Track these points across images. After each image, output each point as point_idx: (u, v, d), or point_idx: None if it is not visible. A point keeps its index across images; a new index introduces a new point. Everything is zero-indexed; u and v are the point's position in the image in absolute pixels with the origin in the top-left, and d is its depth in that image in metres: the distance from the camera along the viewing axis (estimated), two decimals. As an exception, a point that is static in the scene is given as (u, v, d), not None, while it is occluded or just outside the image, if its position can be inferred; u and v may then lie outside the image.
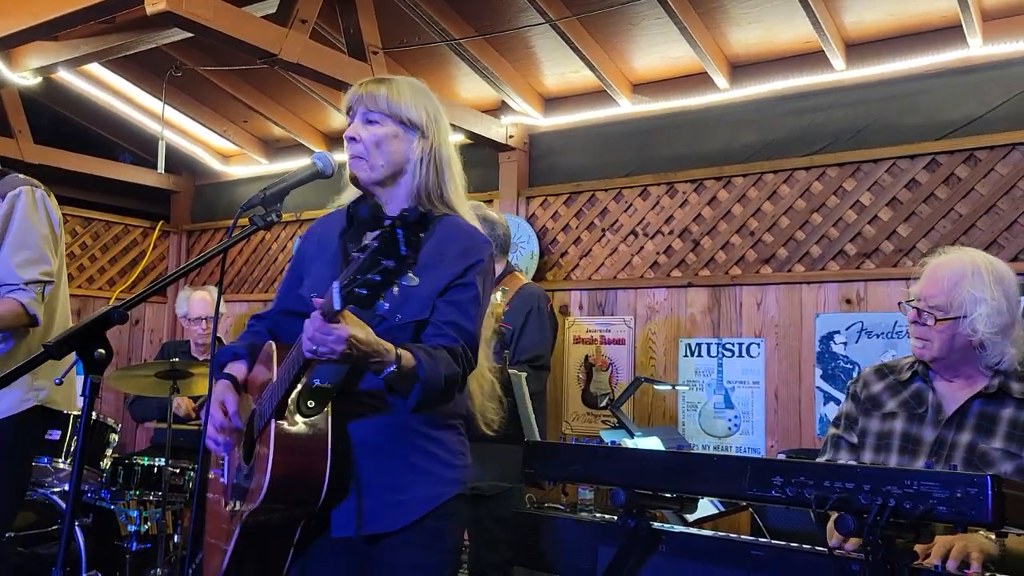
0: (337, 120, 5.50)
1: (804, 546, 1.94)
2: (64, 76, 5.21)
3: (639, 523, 2.26)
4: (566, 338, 4.66)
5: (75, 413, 4.05)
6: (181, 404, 4.46)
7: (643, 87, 4.61)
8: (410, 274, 1.45)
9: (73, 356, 1.49)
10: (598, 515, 2.73)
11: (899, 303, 2.28)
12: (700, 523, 3.22)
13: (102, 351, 1.49)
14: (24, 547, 3.98)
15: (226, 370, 1.94)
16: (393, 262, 1.41)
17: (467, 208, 2.01)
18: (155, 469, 4.11)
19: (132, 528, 4.17)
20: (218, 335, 4.87)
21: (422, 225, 1.41)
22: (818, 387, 3.92)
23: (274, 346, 1.87)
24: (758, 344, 4.09)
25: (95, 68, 5.21)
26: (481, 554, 3.30)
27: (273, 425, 1.72)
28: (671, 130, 4.51)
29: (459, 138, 4.85)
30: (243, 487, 1.85)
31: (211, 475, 2.12)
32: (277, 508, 1.76)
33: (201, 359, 4.80)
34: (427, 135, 1.92)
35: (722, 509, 3.24)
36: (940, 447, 2.13)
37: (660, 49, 4.30)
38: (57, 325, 2.84)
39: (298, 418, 1.73)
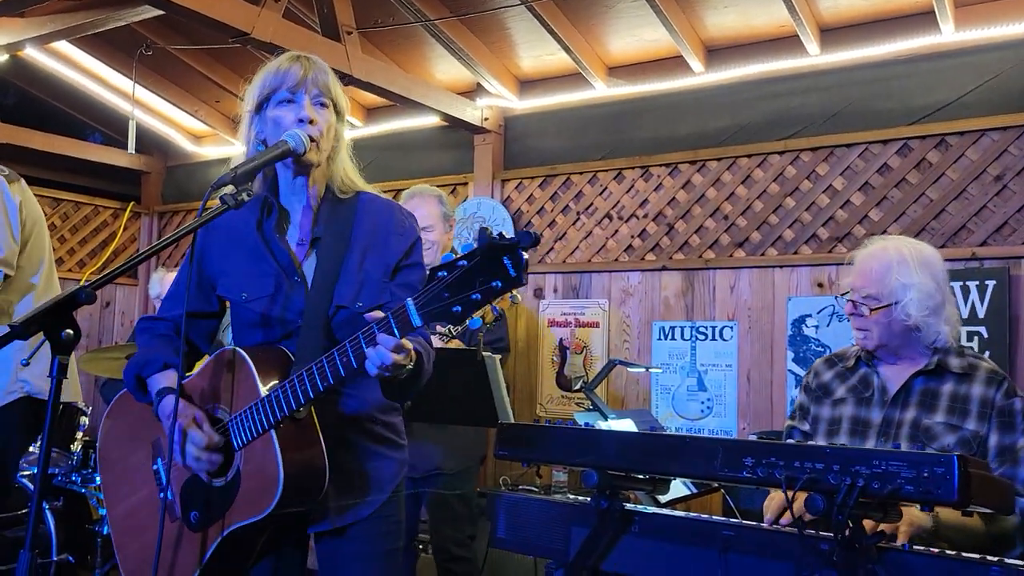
0: (311, 101, 5.44)
1: (774, 526, 1.96)
2: (31, 54, 5.10)
3: (612, 504, 2.28)
4: (540, 321, 4.67)
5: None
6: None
7: (618, 70, 4.60)
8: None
9: (41, 337, 1.46)
10: (571, 496, 2.75)
11: (835, 296, 2.35)
12: (672, 504, 3.25)
13: (70, 332, 1.47)
14: (-7, 531, 3.94)
15: (165, 383, 1.85)
16: (501, 283, 1.47)
17: (366, 187, 2.00)
18: (126, 452, 4.06)
19: (103, 511, 4.13)
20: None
21: (535, 244, 1.48)
22: (790, 370, 3.96)
23: (246, 356, 1.79)
24: (731, 327, 4.12)
25: (63, 46, 5.11)
26: (443, 530, 3.32)
27: (275, 438, 1.71)
28: (646, 113, 4.51)
29: (434, 120, 4.83)
30: (217, 502, 1.80)
31: (126, 493, 2.04)
32: (282, 511, 1.75)
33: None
34: (344, 122, 1.94)
35: (695, 491, 3.27)
36: (887, 426, 2.19)
37: (636, 32, 4.30)
38: (16, 312, 2.77)
39: (291, 426, 1.73)
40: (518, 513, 2.62)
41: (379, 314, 1.60)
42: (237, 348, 1.83)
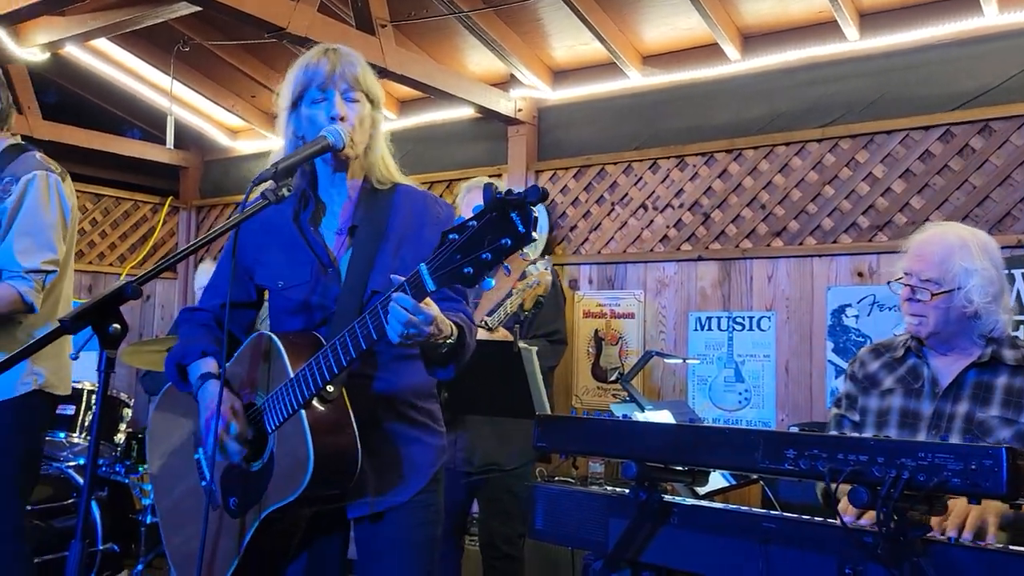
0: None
1: (816, 518, 1.94)
2: (72, 51, 5.19)
3: (650, 496, 2.27)
4: (576, 312, 4.66)
5: (88, 388, 4.09)
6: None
7: (653, 59, 4.57)
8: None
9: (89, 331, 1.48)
10: (608, 488, 2.74)
11: (888, 282, 2.29)
12: (711, 496, 3.23)
13: (117, 326, 1.49)
14: (41, 520, 4.03)
15: (205, 369, 1.87)
16: (511, 240, 1.45)
17: (404, 179, 2.01)
18: (168, 443, 4.13)
19: (146, 501, 4.21)
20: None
21: (540, 202, 1.44)
22: (829, 360, 3.91)
23: (278, 340, 1.81)
24: (769, 317, 4.08)
25: (102, 43, 5.18)
26: (493, 525, 3.32)
27: (305, 417, 1.71)
28: (681, 102, 4.48)
29: (468, 112, 4.83)
30: (253, 487, 1.81)
31: (172, 483, 2.08)
32: (308, 497, 1.75)
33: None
34: (380, 110, 1.93)
35: (733, 482, 3.25)
36: (939, 419, 2.15)
37: (670, 20, 4.26)
38: (61, 311, 2.79)
39: (322, 406, 1.74)
40: (556, 505, 2.62)
41: (398, 278, 1.60)
42: (269, 333, 1.85)
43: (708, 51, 4.34)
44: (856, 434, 2.33)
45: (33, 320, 2.69)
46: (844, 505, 1.90)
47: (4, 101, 2.76)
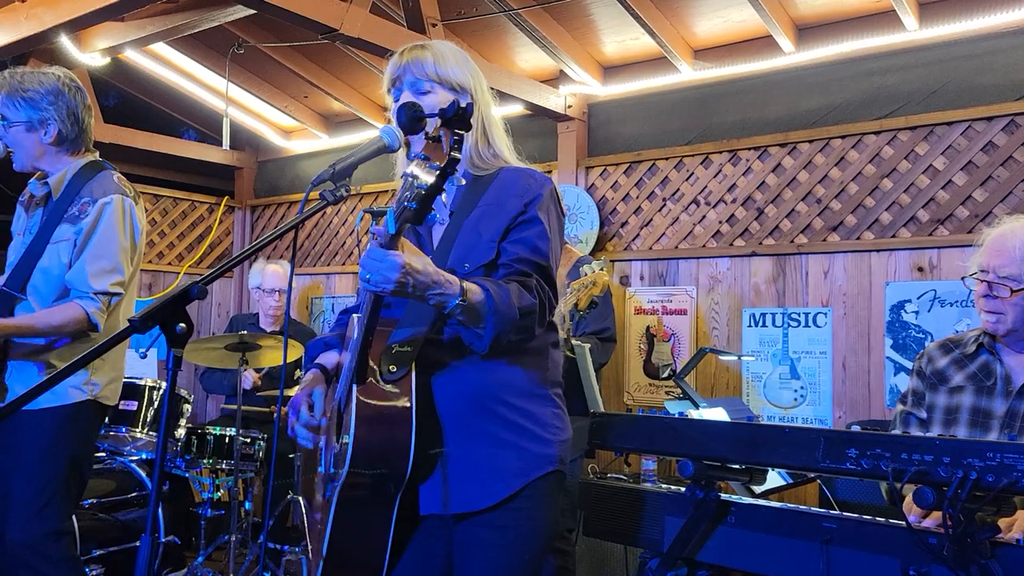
0: (396, 93, 5.51)
1: (879, 519, 1.91)
2: (131, 56, 5.31)
3: (707, 494, 2.26)
4: (627, 309, 4.64)
5: (149, 384, 4.19)
6: (249, 376, 4.57)
7: (705, 52, 4.52)
8: (453, 180, 1.44)
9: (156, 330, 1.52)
10: (664, 486, 2.73)
11: (962, 278, 2.22)
12: (766, 495, 3.20)
13: (183, 325, 1.52)
14: (105, 513, 4.15)
15: (317, 360, 1.93)
16: (436, 164, 1.40)
17: (516, 156, 1.98)
18: (227, 439, 4.23)
19: (206, 495, 4.30)
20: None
21: (463, 122, 1.38)
22: (888, 357, 3.83)
23: (355, 316, 1.85)
24: (825, 314, 4.02)
25: (160, 47, 5.29)
26: None
27: (355, 392, 1.70)
28: (734, 96, 4.42)
29: (517, 109, 4.83)
30: (336, 469, 1.80)
31: (310, 475, 2.10)
32: (364, 476, 1.70)
33: (269, 331, 4.91)
34: (476, 98, 1.90)
35: (789, 481, 3.21)
36: (1012, 419, 2.09)
37: (722, 13, 4.21)
38: (120, 323, 2.85)
39: (381, 384, 1.71)
40: (611, 502, 2.62)
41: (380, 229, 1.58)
42: (355, 315, 1.87)
43: (761, 43, 4.28)
44: (922, 432, 2.28)
45: (97, 339, 2.75)
46: (908, 505, 1.86)
47: (86, 123, 2.84)
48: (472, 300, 1.63)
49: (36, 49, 4.50)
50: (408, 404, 1.71)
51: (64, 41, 4.40)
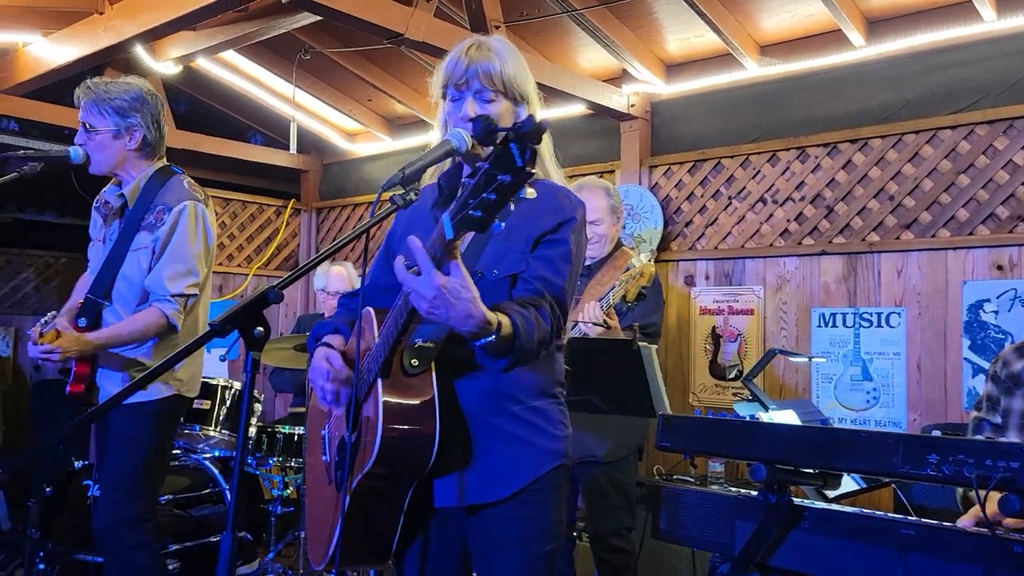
0: (458, 95, 5.55)
1: (960, 526, 1.85)
2: (201, 64, 5.45)
3: (779, 499, 2.22)
4: (692, 309, 4.59)
5: (222, 384, 4.30)
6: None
7: (771, 48, 4.44)
8: (521, 195, 1.39)
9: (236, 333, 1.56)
10: (733, 489, 2.69)
11: None
12: (839, 499, 3.13)
13: (261, 329, 1.56)
14: (180, 509, 4.26)
15: (324, 340, 1.94)
16: (509, 176, 1.37)
17: (560, 175, 1.99)
18: (295, 437, 4.31)
19: (276, 492, 4.39)
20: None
21: (537, 136, 1.35)
22: (966, 358, 3.72)
23: (372, 311, 1.87)
24: (899, 313, 3.91)
25: (229, 55, 5.42)
26: (601, 520, 3.33)
27: (380, 385, 1.72)
28: (802, 92, 4.34)
29: (579, 109, 4.82)
30: (349, 460, 1.84)
31: (311, 460, 2.15)
32: (388, 470, 1.74)
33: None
34: (531, 105, 1.90)
35: (863, 485, 3.13)
36: (1093, 424, 2.01)
37: (789, 7, 4.13)
38: (200, 328, 2.99)
39: (404, 378, 1.74)
40: (680, 505, 2.59)
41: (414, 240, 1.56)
42: (368, 308, 1.89)
43: (830, 37, 4.19)
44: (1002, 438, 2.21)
45: (176, 339, 2.90)
46: (991, 512, 1.81)
47: (164, 130, 2.97)
48: (503, 336, 1.65)
49: (113, 59, 4.65)
50: (431, 398, 1.73)
51: (139, 51, 4.53)
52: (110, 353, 2.86)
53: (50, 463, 3.95)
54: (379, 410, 1.70)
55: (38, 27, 4.55)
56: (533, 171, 1.37)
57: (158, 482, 2.98)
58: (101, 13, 4.14)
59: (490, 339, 1.64)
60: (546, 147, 1.97)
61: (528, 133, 1.34)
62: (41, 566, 3.86)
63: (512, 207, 1.42)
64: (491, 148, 1.75)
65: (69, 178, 2.99)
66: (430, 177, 2.05)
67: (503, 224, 1.44)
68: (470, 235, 1.86)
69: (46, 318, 2.81)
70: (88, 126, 2.84)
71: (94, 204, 3.08)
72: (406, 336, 1.74)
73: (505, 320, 1.66)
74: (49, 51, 4.46)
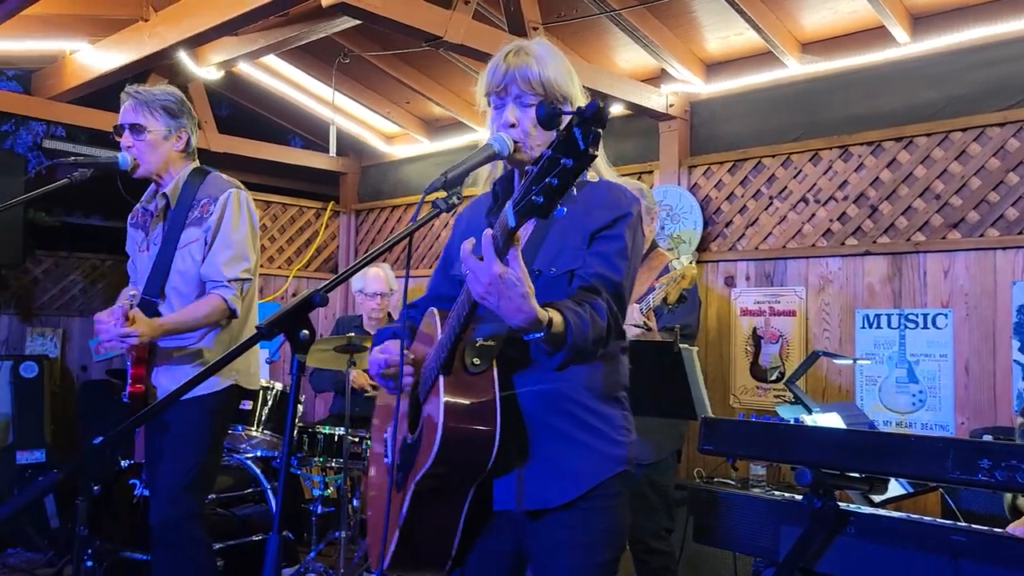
0: (496, 97, 5.56)
1: (1013, 532, 1.82)
2: (242, 68, 5.52)
3: (825, 503, 2.19)
4: (732, 310, 4.55)
5: (263, 385, 4.36)
6: (355, 377, 4.68)
7: (813, 46, 4.39)
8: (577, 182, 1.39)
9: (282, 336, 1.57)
10: (776, 493, 2.66)
11: None
12: (884, 504, 3.08)
13: (307, 332, 1.57)
14: (223, 508, 4.32)
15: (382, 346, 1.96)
16: (572, 160, 1.35)
17: (613, 174, 1.97)
18: (335, 438, 4.34)
19: (317, 492, 4.43)
20: (389, 311, 5.08)
21: (601, 120, 1.34)
22: (1016, 360, 3.63)
23: (436, 311, 1.88)
24: (945, 315, 3.84)
25: (269, 59, 5.49)
26: (640, 521, 3.31)
27: (441, 382, 1.72)
28: (844, 90, 4.27)
29: (618, 109, 4.80)
30: (410, 459, 1.84)
31: (375, 463, 2.16)
32: (447, 470, 1.73)
33: (373, 333, 5.02)
34: (574, 103, 1.88)
35: (910, 490, 3.08)
36: None
37: (831, 4, 4.07)
38: (254, 316, 3.09)
39: (465, 377, 1.73)
40: (723, 508, 2.57)
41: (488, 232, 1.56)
42: (432, 308, 1.90)
43: (873, 34, 4.13)
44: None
45: (233, 322, 2.98)
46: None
47: (194, 134, 3.05)
48: (554, 333, 1.64)
49: (157, 65, 4.73)
50: (492, 398, 1.72)
51: (183, 56, 4.61)
52: (169, 349, 2.92)
53: (98, 462, 4.03)
54: (440, 409, 1.69)
55: (85, 35, 4.65)
56: (596, 154, 1.35)
57: (214, 477, 3.05)
58: (146, 20, 4.21)
59: (539, 335, 1.62)
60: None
61: (592, 117, 1.33)
62: (89, 563, 3.93)
63: (575, 192, 1.41)
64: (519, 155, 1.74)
65: (115, 183, 3.05)
66: (484, 185, 2.05)
67: (565, 210, 1.43)
68: (528, 232, 1.87)
69: (127, 299, 2.81)
70: (138, 127, 2.90)
71: (130, 220, 3.15)
72: (467, 332, 1.73)
73: (557, 317, 1.64)
74: (96, 58, 4.55)
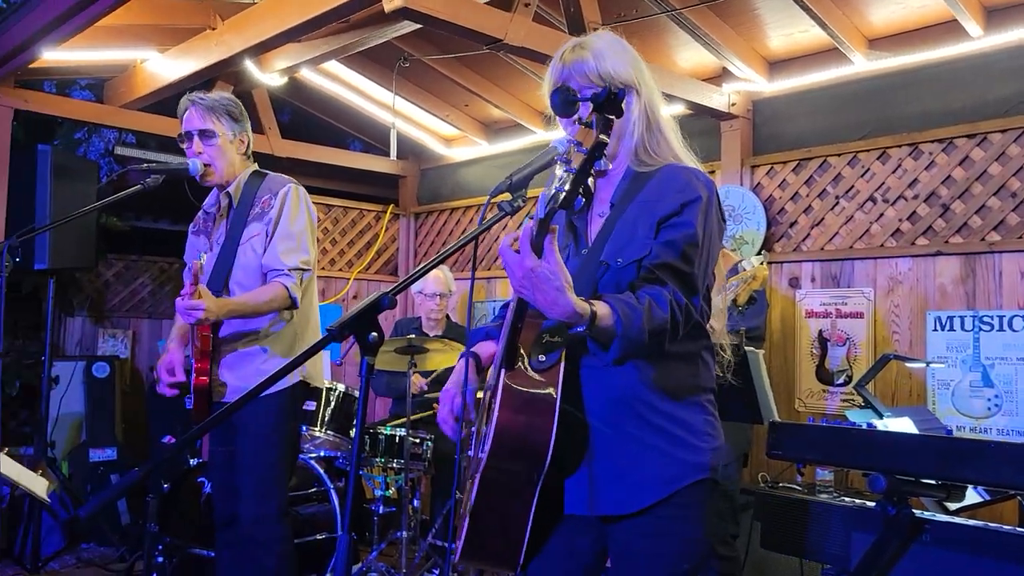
0: (554, 98, 5.55)
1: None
2: (304, 74, 5.61)
3: (900, 510, 2.14)
4: (797, 311, 4.46)
5: (326, 386, 4.42)
6: (420, 383, 4.71)
7: (880, 41, 4.28)
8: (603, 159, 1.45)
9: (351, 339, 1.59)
10: (846, 499, 2.60)
11: None
12: (959, 512, 2.99)
13: (375, 334, 1.59)
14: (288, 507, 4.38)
15: (473, 349, 1.96)
16: (586, 148, 1.41)
17: (688, 155, 1.91)
18: (396, 439, 4.38)
19: (378, 492, 4.48)
20: (447, 313, 5.11)
21: (613, 106, 1.37)
22: (1098, 364, 3.50)
23: (512, 302, 1.87)
24: (1022, 317, 3.71)
25: (330, 65, 5.56)
26: None
27: (502, 376, 1.71)
28: (914, 86, 4.16)
29: (679, 109, 4.75)
30: (482, 449, 1.83)
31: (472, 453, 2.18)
32: (506, 462, 1.70)
33: (432, 335, 5.05)
34: (640, 92, 1.85)
35: (987, 498, 2.98)
36: None
37: (901, -1, 3.98)
38: (314, 309, 3.14)
39: (529, 372, 1.71)
40: (792, 514, 2.52)
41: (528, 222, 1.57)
42: (510, 304, 1.89)
43: (945, 29, 4.01)
44: None
45: (295, 317, 3.03)
46: None
47: (251, 136, 3.13)
48: (600, 326, 1.60)
49: (223, 73, 4.83)
50: (553, 393, 1.69)
51: (248, 64, 4.70)
52: (235, 343, 3.00)
53: (168, 460, 4.14)
54: (497, 402, 1.69)
55: (155, 44, 4.77)
56: (605, 140, 1.38)
57: (292, 472, 3.14)
58: (213, 29, 4.31)
59: (582, 328, 1.60)
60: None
61: (603, 103, 1.36)
62: (160, 559, 4.04)
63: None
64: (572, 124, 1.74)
65: (182, 188, 3.13)
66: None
67: (583, 200, 1.47)
68: (596, 228, 1.85)
69: (194, 270, 2.80)
70: (209, 133, 2.97)
71: (191, 228, 3.23)
72: (527, 323, 1.72)
73: (603, 309, 1.60)
74: (165, 66, 4.67)
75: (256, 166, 3.17)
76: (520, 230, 1.57)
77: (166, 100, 4.98)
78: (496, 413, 1.68)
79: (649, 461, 1.74)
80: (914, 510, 2.20)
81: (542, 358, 1.72)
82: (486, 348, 2.00)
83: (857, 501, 2.56)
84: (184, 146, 3.03)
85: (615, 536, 1.80)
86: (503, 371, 1.72)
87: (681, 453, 1.75)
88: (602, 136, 1.37)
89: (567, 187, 1.43)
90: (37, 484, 3.70)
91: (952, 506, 2.69)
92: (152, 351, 6.16)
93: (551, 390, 1.70)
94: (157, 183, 2.92)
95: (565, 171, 1.47)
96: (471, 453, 2.04)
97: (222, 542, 3.11)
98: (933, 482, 2.13)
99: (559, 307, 1.55)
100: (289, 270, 2.96)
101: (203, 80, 4.55)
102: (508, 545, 1.81)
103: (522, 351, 1.74)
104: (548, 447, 1.68)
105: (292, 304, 2.97)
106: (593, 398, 1.77)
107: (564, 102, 1.57)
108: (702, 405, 1.83)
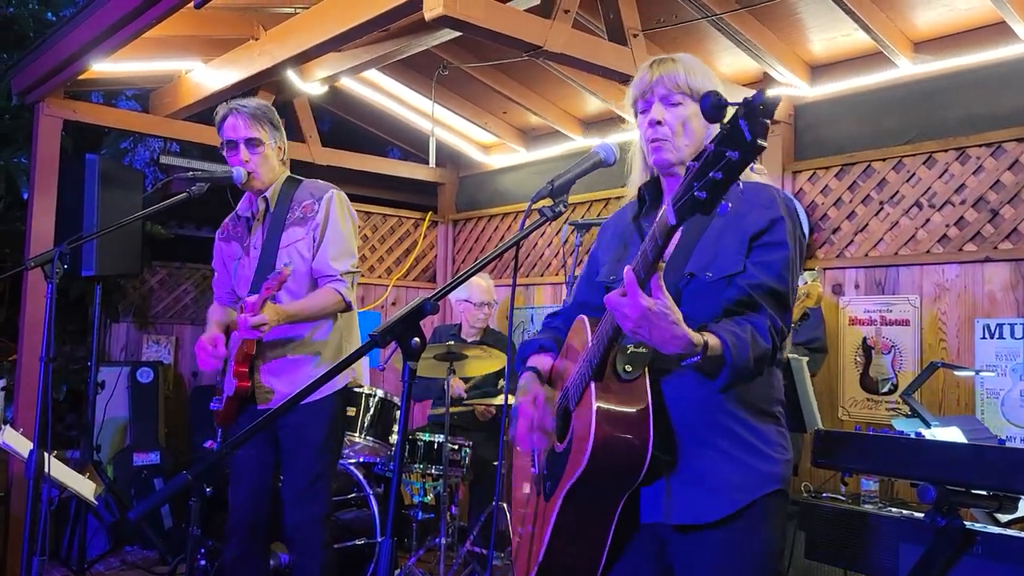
0: (592, 105, 5.55)
1: None
2: (344, 83, 5.67)
3: (950, 522, 2.09)
4: (840, 319, 4.39)
5: (365, 391, 4.44)
6: (458, 386, 4.72)
7: (926, 44, 4.21)
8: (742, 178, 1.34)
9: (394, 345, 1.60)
10: (893, 510, 2.55)
11: None
12: (1010, 524, 2.92)
13: (417, 339, 1.60)
14: (327, 512, 4.41)
15: (529, 363, 1.97)
16: (738, 153, 1.28)
17: (759, 173, 1.93)
18: (435, 445, 4.39)
19: (416, 499, 4.49)
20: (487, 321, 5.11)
21: (769, 110, 1.27)
22: None
23: (586, 319, 1.88)
24: (1075, 325, 3.62)
25: (370, 73, 5.61)
26: None
27: (593, 389, 1.70)
28: (961, 90, 4.08)
29: (719, 114, 4.71)
30: (559, 468, 1.81)
31: (519, 475, 2.15)
32: (599, 477, 1.70)
33: (470, 341, 5.06)
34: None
35: (1040, 510, 2.90)
36: None
37: (947, 1, 3.90)
38: (354, 314, 3.18)
39: (617, 384, 1.71)
40: (837, 525, 2.48)
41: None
42: (582, 316, 1.90)
43: (992, 31, 3.93)
44: None
45: (340, 321, 3.07)
46: None
47: (287, 144, 3.18)
48: (711, 355, 1.61)
49: (265, 82, 4.90)
50: (645, 406, 1.69)
51: (289, 73, 4.76)
52: (283, 348, 3.02)
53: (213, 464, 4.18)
54: (592, 415, 1.67)
55: (199, 55, 4.85)
56: (764, 145, 1.29)
57: (335, 478, 3.17)
58: (256, 39, 4.37)
59: (695, 359, 1.60)
60: None
61: (758, 106, 1.27)
62: (202, 562, 4.09)
63: (741, 186, 1.36)
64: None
65: (225, 195, 3.18)
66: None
67: (730, 205, 1.38)
68: (677, 235, 1.84)
69: (287, 268, 2.83)
70: (256, 141, 3.01)
71: (219, 235, 3.28)
72: (619, 340, 1.71)
73: (713, 340, 1.62)
74: (209, 76, 4.74)
75: (289, 172, 3.21)
76: (625, 274, 1.55)
77: (209, 109, 5.06)
78: (593, 428, 1.66)
79: (729, 471, 1.75)
80: (964, 522, 2.15)
81: (629, 369, 1.72)
82: (543, 361, 2.02)
83: (904, 512, 2.51)
84: (226, 154, 3.07)
85: (686, 548, 1.78)
86: (592, 384, 1.71)
87: (758, 463, 1.76)
88: (760, 141, 1.28)
89: (707, 194, 1.35)
90: (85, 487, 3.77)
91: (1003, 517, 2.62)
92: (195, 357, 6.24)
93: (642, 402, 1.70)
94: (202, 191, 2.97)
95: (711, 175, 1.34)
96: (533, 470, 2.02)
97: (240, 552, 3.07)
98: (984, 493, 2.08)
99: (677, 340, 1.56)
100: (341, 275, 3.01)
101: (246, 90, 4.61)
102: (587, 563, 1.81)
103: (609, 364, 1.74)
104: (645, 460, 1.68)
105: (347, 307, 3.05)
106: (675, 406, 1.77)
107: (714, 106, 1.56)
108: (775, 416, 1.84)
